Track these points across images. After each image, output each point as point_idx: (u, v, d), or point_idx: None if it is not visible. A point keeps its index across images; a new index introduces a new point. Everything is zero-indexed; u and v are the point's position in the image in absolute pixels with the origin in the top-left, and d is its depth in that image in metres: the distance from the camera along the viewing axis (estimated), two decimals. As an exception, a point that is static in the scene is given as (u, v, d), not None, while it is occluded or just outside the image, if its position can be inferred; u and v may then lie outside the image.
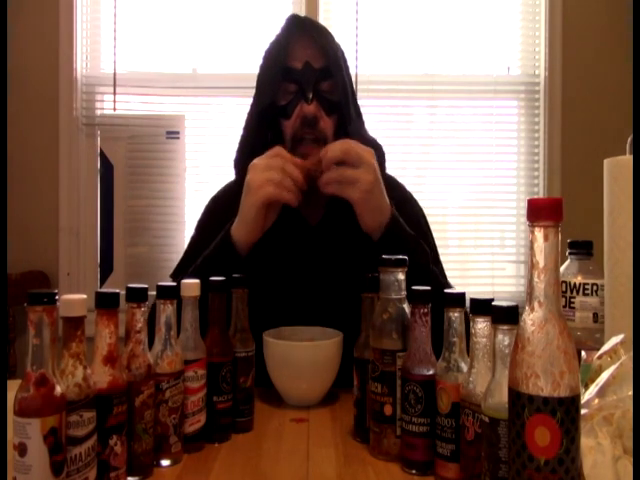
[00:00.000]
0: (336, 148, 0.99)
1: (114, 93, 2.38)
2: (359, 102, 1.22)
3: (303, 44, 1.13)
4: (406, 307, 0.80)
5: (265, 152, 1.10)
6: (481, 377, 0.66)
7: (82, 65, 2.43)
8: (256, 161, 1.02)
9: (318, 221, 1.17)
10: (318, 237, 1.16)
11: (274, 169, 0.99)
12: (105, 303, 0.69)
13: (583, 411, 0.60)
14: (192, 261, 1.09)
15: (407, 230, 1.04)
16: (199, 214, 1.28)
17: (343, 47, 1.20)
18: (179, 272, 1.14)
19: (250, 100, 1.19)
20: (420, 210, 1.27)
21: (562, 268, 0.98)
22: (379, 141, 1.21)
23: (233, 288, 0.91)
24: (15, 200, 2.29)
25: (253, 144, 1.15)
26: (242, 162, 1.14)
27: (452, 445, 0.70)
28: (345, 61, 1.18)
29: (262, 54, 1.18)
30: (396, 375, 0.78)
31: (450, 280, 1.21)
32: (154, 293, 0.79)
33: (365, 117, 1.22)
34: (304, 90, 1.10)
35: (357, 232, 1.04)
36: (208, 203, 1.28)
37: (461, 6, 2.47)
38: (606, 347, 0.72)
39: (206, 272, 0.90)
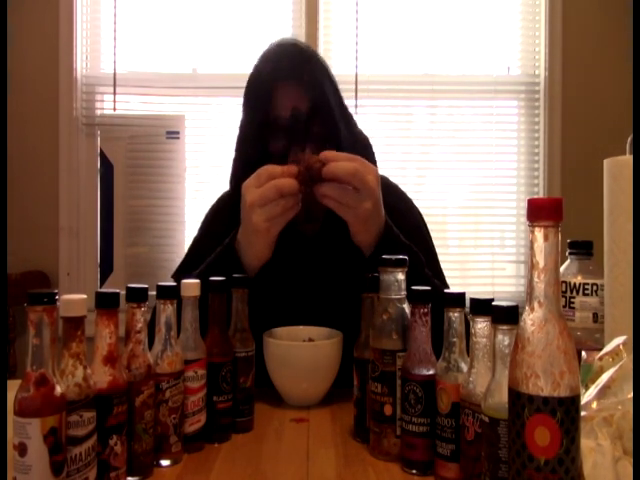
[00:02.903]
0: (341, 168, 0.94)
1: (114, 93, 2.38)
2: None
3: (286, 90, 1.08)
4: (406, 307, 0.80)
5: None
6: (481, 377, 0.66)
7: (82, 65, 2.43)
8: (252, 195, 0.96)
9: (315, 233, 1.17)
10: (315, 248, 1.15)
11: (272, 200, 0.95)
12: (105, 303, 0.69)
13: (582, 413, 0.59)
14: (194, 265, 1.09)
15: (400, 241, 1.02)
16: (200, 222, 1.29)
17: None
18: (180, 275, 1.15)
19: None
20: (419, 214, 1.26)
21: (562, 268, 0.98)
22: (372, 139, 1.20)
23: (233, 288, 0.91)
24: (15, 200, 2.29)
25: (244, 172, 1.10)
26: (237, 179, 1.10)
27: (452, 445, 0.70)
28: (330, 77, 1.14)
29: (245, 86, 1.14)
30: (396, 375, 0.78)
31: (450, 280, 1.21)
32: (154, 293, 0.79)
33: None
34: (296, 139, 1.07)
35: (354, 244, 1.04)
36: (207, 213, 1.28)
37: (461, 6, 2.47)
38: (608, 348, 0.72)
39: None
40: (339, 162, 0.94)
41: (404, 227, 1.09)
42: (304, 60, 1.12)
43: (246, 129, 1.14)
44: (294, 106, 1.07)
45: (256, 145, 1.10)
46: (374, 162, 1.16)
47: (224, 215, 1.17)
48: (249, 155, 1.11)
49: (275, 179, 0.95)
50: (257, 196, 0.95)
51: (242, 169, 1.10)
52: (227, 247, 1.03)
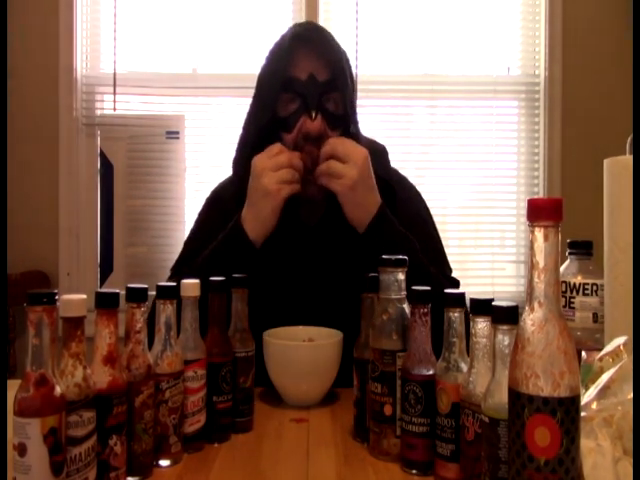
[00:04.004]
0: (328, 143, 1.05)
1: (114, 93, 2.38)
2: (359, 102, 1.22)
3: (307, 55, 1.10)
4: (406, 307, 0.80)
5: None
6: (481, 377, 0.66)
7: (82, 65, 2.43)
8: (264, 162, 1.05)
9: (316, 222, 1.17)
10: (316, 238, 1.16)
11: (284, 167, 1.04)
12: (105, 303, 0.69)
13: (582, 413, 0.59)
14: (193, 257, 1.10)
15: (395, 227, 1.05)
16: (199, 210, 1.28)
17: (343, 47, 1.19)
18: (180, 267, 1.15)
19: (250, 100, 1.19)
20: (425, 208, 1.27)
21: (562, 268, 0.98)
22: (379, 141, 1.21)
23: (233, 288, 0.91)
24: (15, 200, 2.29)
25: (252, 148, 1.15)
26: (241, 162, 1.15)
27: (452, 445, 0.70)
28: (349, 67, 1.16)
29: (263, 61, 1.16)
30: (396, 375, 0.78)
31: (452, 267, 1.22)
32: (154, 293, 0.79)
33: (365, 117, 1.22)
34: (307, 105, 1.07)
35: (354, 232, 1.05)
36: (208, 199, 1.28)
37: (461, 6, 2.47)
38: (608, 348, 0.71)
39: (218, 268, 0.92)
40: (327, 142, 1.05)
41: (406, 215, 1.11)
42: (326, 36, 1.15)
43: (262, 87, 1.15)
44: (311, 72, 1.09)
45: (270, 104, 1.11)
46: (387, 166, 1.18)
47: (224, 204, 1.18)
48: (261, 115, 1.12)
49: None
50: (270, 162, 1.04)
51: (253, 132, 1.14)
52: (233, 225, 1.06)
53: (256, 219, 1.04)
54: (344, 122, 1.11)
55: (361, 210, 1.04)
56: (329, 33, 1.17)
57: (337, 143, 1.05)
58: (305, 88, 1.08)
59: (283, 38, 1.14)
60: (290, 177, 1.04)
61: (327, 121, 1.09)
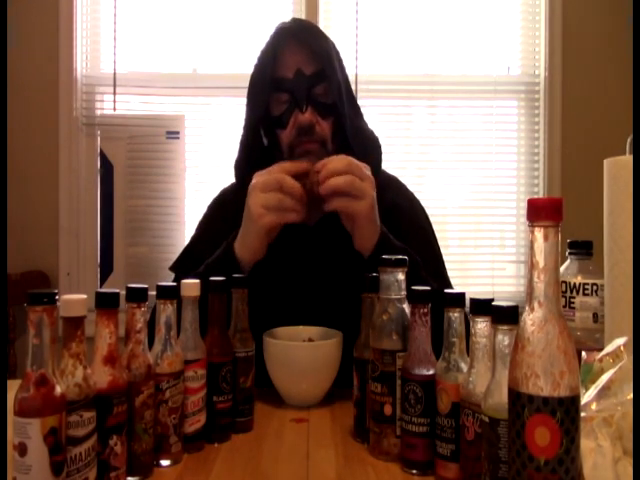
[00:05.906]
0: (340, 181, 0.98)
1: (114, 93, 2.38)
2: (359, 102, 1.22)
3: (292, 51, 1.11)
4: (406, 307, 0.80)
5: (264, 159, 1.12)
6: (481, 377, 0.66)
7: (82, 65, 2.43)
8: (255, 180, 1.01)
9: (316, 222, 1.17)
10: (317, 237, 1.16)
11: (272, 190, 0.98)
12: (105, 303, 0.69)
13: (582, 414, 0.59)
14: (191, 263, 1.09)
15: (396, 245, 1.04)
16: (201, 215, 1.28)
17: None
18: (179, 270, 1.15)
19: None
20: (422, 212, 1.26)
21: (562, 268, 0.98)
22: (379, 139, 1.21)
23: (233, 288, 0.91)
24: (15, 200, 2.29)
25: (252, 151, 1.16)
26: (242, 165, 1.15)
27: (452, 445, 0.70)
28: (339, 57, 1.17)
29: (252, 66, 1.17)
30: (396, 375, 0.78)
31: (451, 280, 1.21)
32: (154, 293, 0.79)
33: (365, 117, 1.21)
34: (297, 99, 1.09)
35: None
36: (210, 205, 1.28)
37: (461, 6, 2.47)
38: (608, 349, 0.71)
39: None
40: (334, 178, 0.98)
41: (406, 226, 1.10)
42: (310, 28, 1.18)
43: (252, 89, 1.16)
44: (299, 67, 1.10)
45: (262, 106, 1.12)
46: (379, 164, 1.16)
47: (226, 209, 1.18)
48: (254, 118, 1.14)
49: (283, 172, 1.00)
50: (261, 181, 1.00)
51: (249, 135, 1.14)
52: (226, 245, 1.05)
53: (244, 243, 1.03)
54: (334, 110, 1.11)
55: (372, 232, 1.02)
56: (313, 25, 1.20)
57: (349, 179, 0.98)
58: (293, 84, 1.10)
59: (269, 40, 1.15)
60: (276, 203, 0.98)
61: (317, 111, 1.10)
